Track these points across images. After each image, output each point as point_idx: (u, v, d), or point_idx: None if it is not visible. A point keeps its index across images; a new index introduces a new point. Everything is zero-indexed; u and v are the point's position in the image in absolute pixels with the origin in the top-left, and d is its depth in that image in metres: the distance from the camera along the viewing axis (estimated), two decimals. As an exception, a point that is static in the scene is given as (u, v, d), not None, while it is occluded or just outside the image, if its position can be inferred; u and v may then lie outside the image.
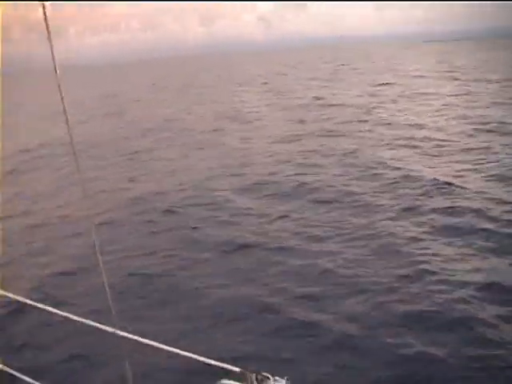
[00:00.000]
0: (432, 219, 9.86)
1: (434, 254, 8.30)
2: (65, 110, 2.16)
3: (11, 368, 2.82)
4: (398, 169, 13.78)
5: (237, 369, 1.71)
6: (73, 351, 6.53)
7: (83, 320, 2.37)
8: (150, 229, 10.61)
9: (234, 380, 1.74)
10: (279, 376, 1.66)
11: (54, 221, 11.59)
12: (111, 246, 9.66)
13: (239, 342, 6.28)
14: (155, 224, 10.86)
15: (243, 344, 6.21)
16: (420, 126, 19.86)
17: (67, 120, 2.17)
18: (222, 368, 1.75)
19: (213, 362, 1.81)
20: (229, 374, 1.77)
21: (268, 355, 5.87)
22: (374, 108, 25.37)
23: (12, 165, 17.75)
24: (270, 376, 1.66)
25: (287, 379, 1.66)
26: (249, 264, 8.51)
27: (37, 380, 2.70)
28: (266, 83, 39.47)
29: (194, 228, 10.41)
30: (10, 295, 2.80)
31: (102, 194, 13.44)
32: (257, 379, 1.66)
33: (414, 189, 11.92)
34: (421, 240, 8.93)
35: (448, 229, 9.31)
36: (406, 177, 12.93)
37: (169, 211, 11.60)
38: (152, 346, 2.03)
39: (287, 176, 13.97)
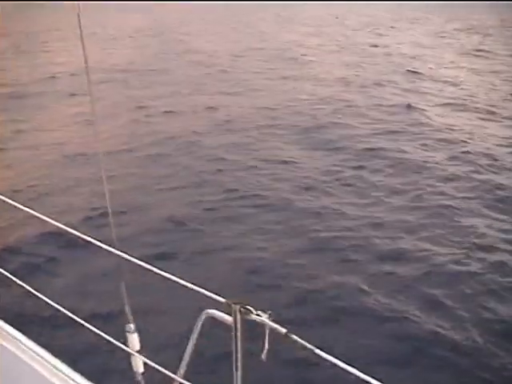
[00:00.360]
0: (495, 191, 9.13)
1: (495, 227, 7.75)
2: (82, 39, 2.15)
3: (9, 272, 2.85)
4: (457, 130, 12.87)
5: (222, 299, 1.72)
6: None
7: (82, 235, 2.32)
8: (191, 174, 10.03)
9: (219, 310, 1.79)
10: (262, 311, 1.64)
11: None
12: (154, 186, 9.40)
13: (277, 301, 5.86)
14: (197, 171, 10.20)
15: (283, 306, 5.80)
16: (479, 86, 18.51)
17: (84, 48, 2.16)
18: (208, 297, 1.76)
19: (200, 290, 1.79)
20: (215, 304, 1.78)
21: (307, 319, 5.54)
22: (428, 61, 23.92)
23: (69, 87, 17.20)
24: (252, 309, 1.65)
25: (269, 314, 1.63)
26: (294, 221, 7.97)
27: (31, 287, 2.69)
28: (321, 25, 37.91)
29: (237, 178, 9.73)
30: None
31: (146, 126, 13.14)
32: (240, 311, 1.66)
33: (474, 154, 11.04)
34: (483, 212, 8.29)
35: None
36: (465, 140, 12.02)
37: (210, 156, 10.93)
38: (149, 270, 2.00)
39: (333, 125, 13.21)
